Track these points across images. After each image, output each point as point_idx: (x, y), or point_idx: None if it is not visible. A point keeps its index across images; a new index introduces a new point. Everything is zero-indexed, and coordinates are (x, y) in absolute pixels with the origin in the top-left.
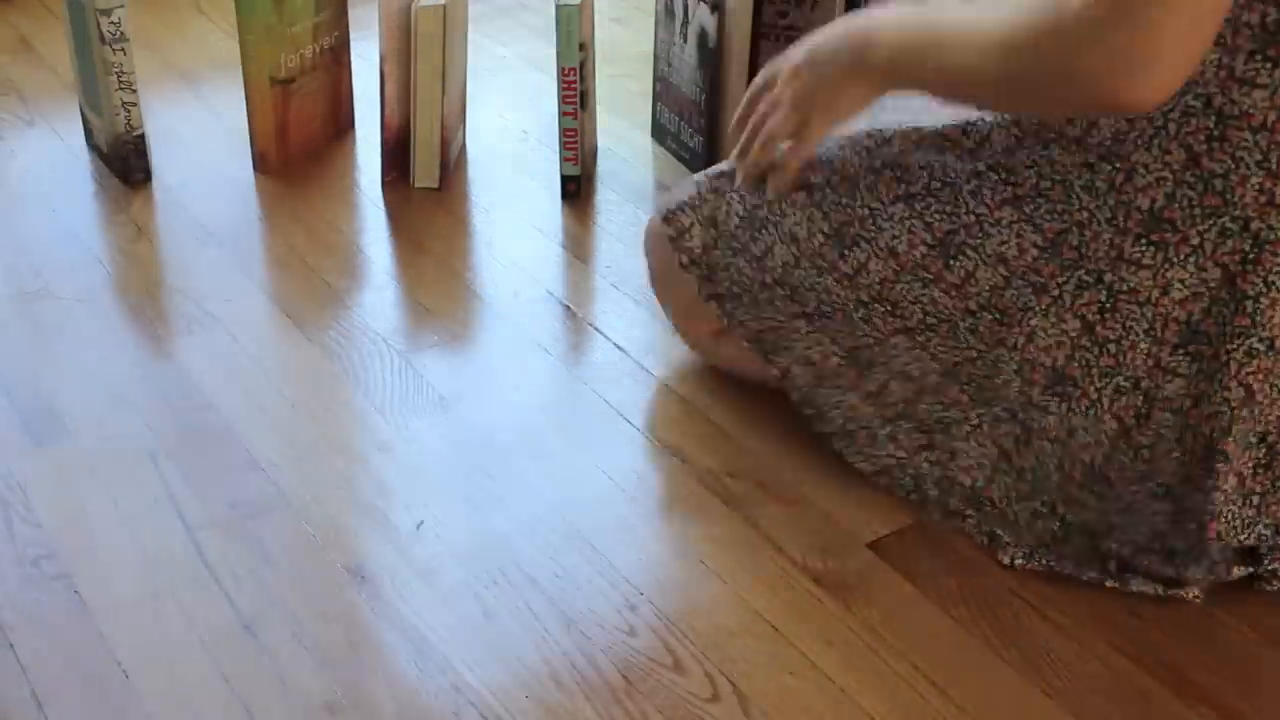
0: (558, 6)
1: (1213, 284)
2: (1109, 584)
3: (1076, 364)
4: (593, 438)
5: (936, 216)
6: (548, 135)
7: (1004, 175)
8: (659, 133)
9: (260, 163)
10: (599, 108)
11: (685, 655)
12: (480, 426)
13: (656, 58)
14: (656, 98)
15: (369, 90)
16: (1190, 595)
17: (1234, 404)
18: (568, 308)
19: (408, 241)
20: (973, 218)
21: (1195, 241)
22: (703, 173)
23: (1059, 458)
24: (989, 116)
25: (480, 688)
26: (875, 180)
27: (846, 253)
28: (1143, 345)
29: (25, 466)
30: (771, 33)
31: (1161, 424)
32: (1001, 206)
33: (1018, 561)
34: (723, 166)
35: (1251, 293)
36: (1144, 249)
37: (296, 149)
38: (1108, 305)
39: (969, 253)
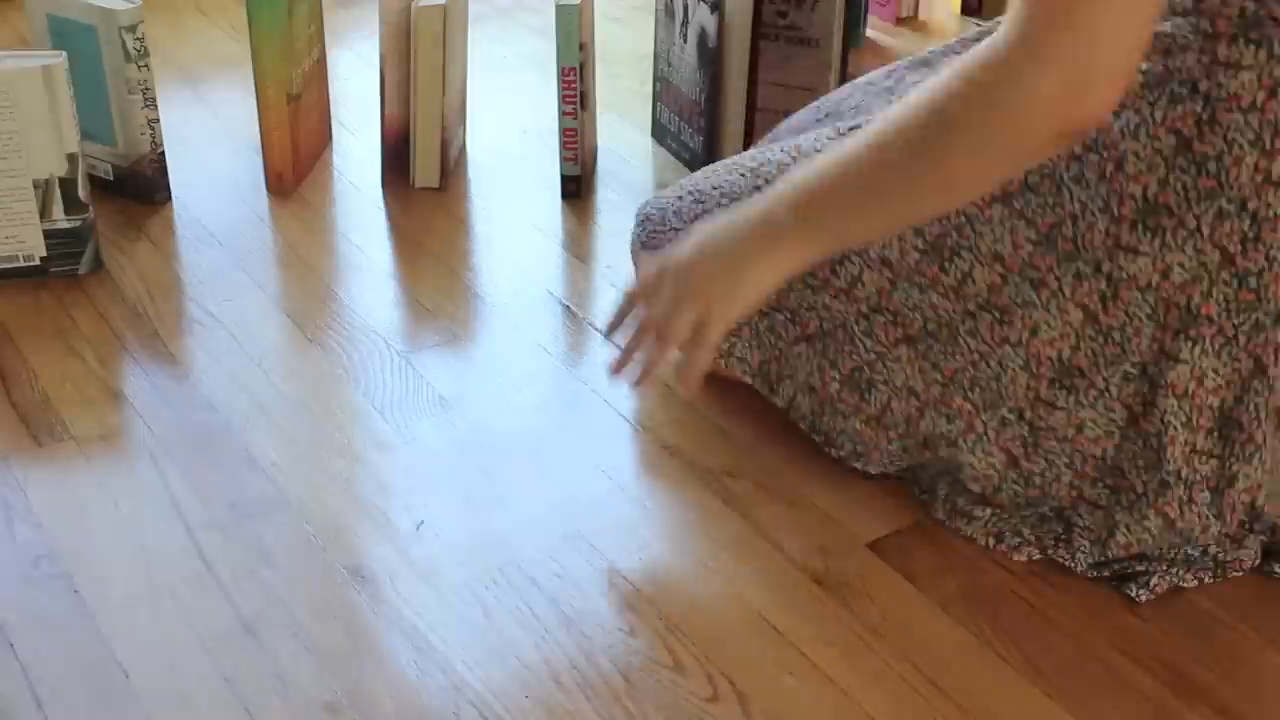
0: (558, 6)
1: (1212, 266)
2: (1129, 592)
3: (1083, 354)
4: (593, 438)
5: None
6: (548, 135)
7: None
8: (659, 133)
9: (275, 184)
10: (599, 108)
11: (685, 655)
12: (480, 426)
13: (656, 58)
14: (656, 98)
15: (368, 91)
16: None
17: (1244, 375)
18: (568, 308)
19: (408, 241)
20: (963, 219)
21: (1192, 225)
22: (689, 182)
23: (1069, 456)
24: None
25: (480, 688)
26: None
27: (839, 267)
28: (1147, 330)
29: (25, 466)
30: (771, 33)
31: (1167, 410)
32: (990, 205)
33: (1033, 556)
34: (713, 180)
35: (1254, 269)
36: (1140, 236)
37: (305, 163)
38: (1108, 294)
39: (963, 254)
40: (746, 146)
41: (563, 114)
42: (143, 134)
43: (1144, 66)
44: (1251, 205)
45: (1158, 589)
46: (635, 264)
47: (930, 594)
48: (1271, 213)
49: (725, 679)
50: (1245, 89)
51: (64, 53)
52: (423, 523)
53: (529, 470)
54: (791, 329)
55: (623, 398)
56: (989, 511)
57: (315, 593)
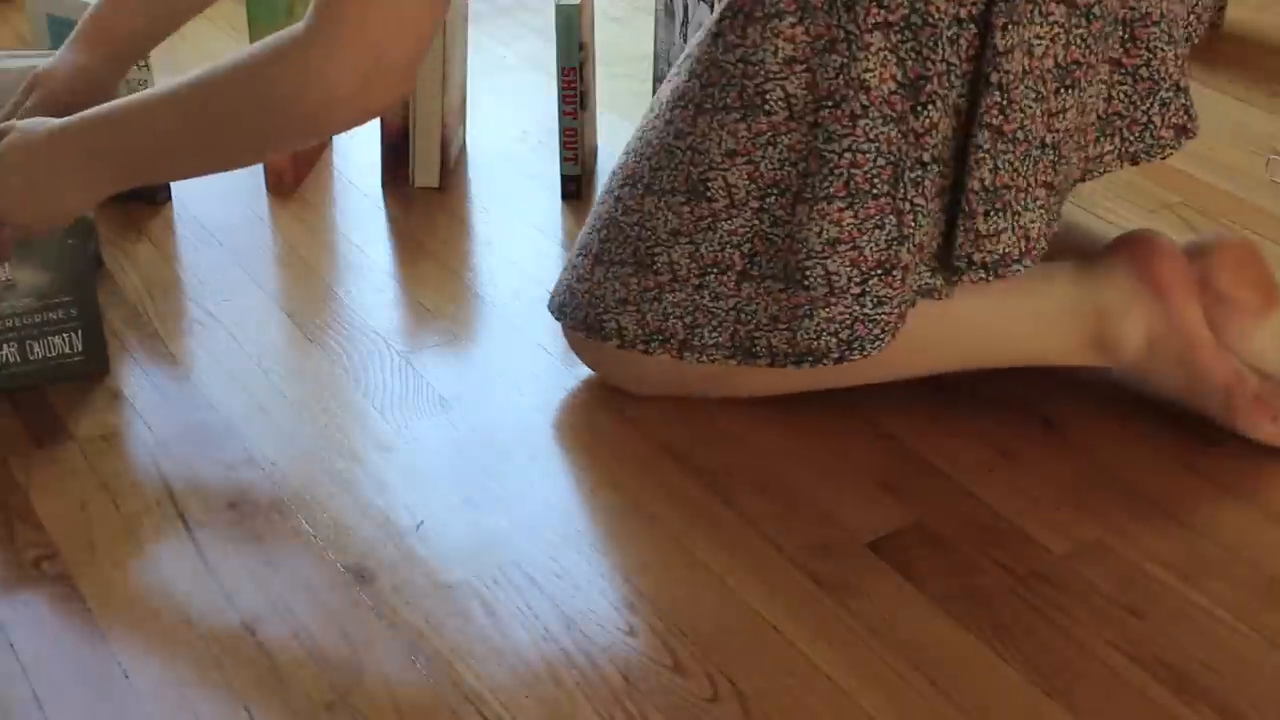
0: (558, 6)
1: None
2: None
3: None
4: (593, 438)
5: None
6: (548, 135)
7: None
8: None
9: (275, 184)
10: (599, 108)
11: (685, 655)
12: (480, 426)
13: (656, 58)
14: None
15: None
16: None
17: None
18: None
19: (408, 241)
20: (842, 32)
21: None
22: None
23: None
24: None
25: (480, 687)
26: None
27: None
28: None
29: (25, 466)
30: None
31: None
32: (873, 30)
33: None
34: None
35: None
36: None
37: (305, 164)
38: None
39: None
40: None
41: (563, 114)
42: None
43: None
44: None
45: None
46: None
47: (930, 594)
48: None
49: (725, 679)
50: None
51: None
52: (422, 522)
53: (529, 470)
54: (729, 277)
55: (623, 397)
56: None
57: (315, 593)
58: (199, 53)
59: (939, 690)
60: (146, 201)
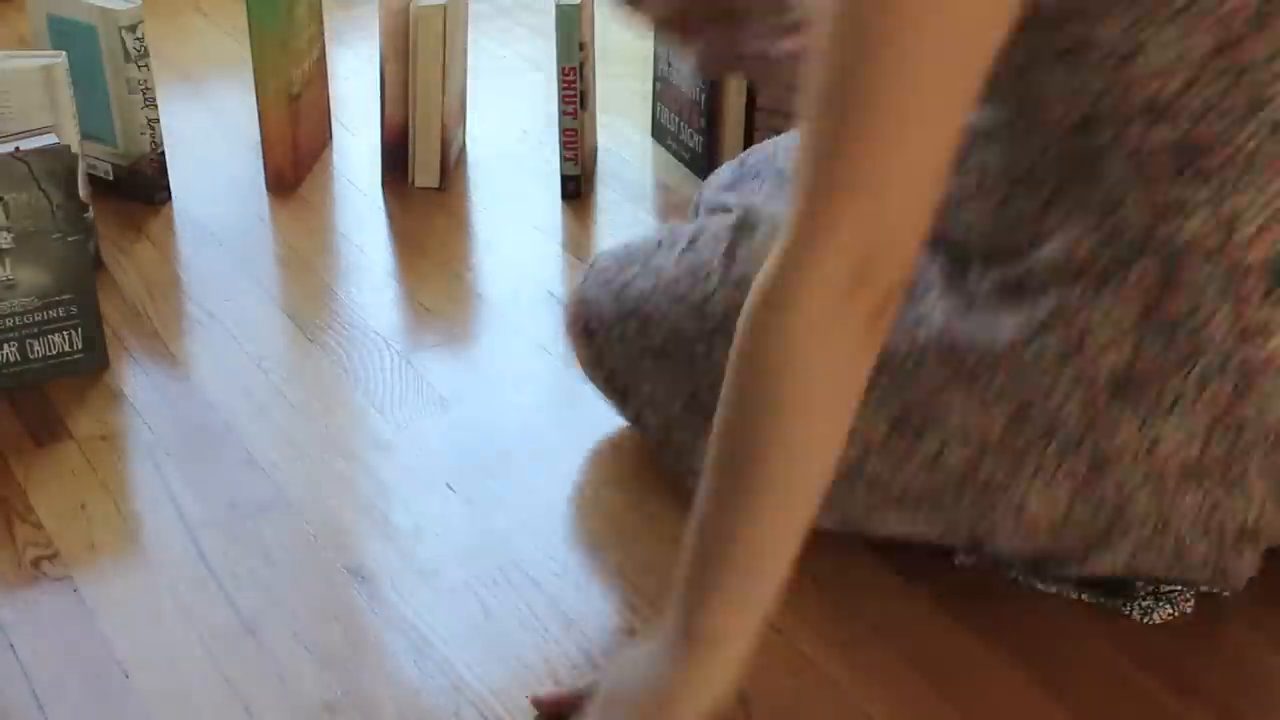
0: (558, 6)
1: (1201, 429)
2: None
3: (1072, 532)
4: (593, 438)
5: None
6: (548, 135)
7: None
8: (659, 133)
9: (275, 182)
10: (599, 108)
11: None
12: (480, 426)
13: (656, 58)
14: (656, 98)
15: (367, 91)
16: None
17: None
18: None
19: (408, 241)
20: (923, 395)
21: (1175, 393)
22: (627, 273)
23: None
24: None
25: (480, 688)
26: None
27: None
28: (1141, 498)
29: (25, 466)
30: None
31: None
32: (948, 388)
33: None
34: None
35: (1251, 414)
36: (1120, 410)
37: (305, 163)
38: (1096, 468)
39: (932, 430)
40: (746, 146)
41: (563, 114)
42: (143, 134)
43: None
44: (1236, 359)
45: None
46: (571, 342)
47: (931, 594)
48: (1260, 358)
49: None
50: (1197, 234)
51: (64, 53)
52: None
53: (529, 470)
54: None
55: None
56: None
57: (315, 593)
58: (199, 53)
59: (939, 690)
60: (146, 202)
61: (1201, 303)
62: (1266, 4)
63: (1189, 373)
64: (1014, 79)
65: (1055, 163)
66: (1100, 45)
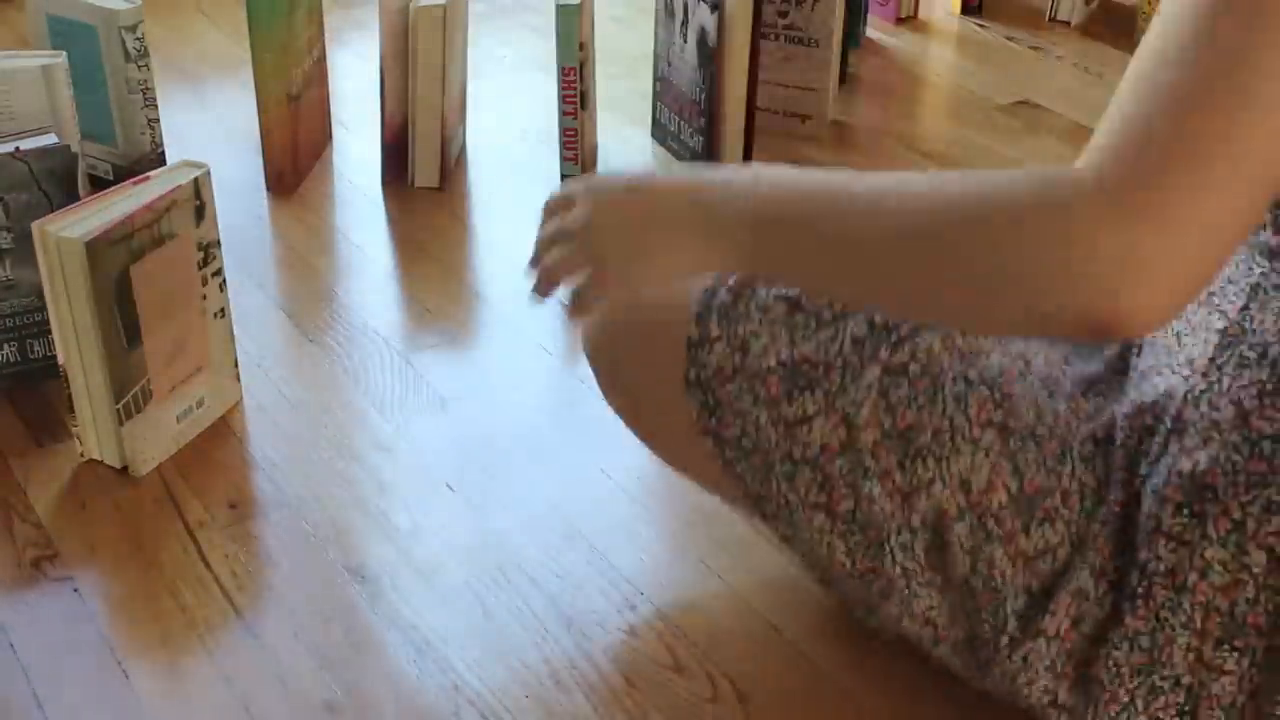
0: (558, 6)
1: (1257, 569)
2: None
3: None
4: (593, 438)
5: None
6: (548, 135)
7: (997, 397)
8: (659, 132)
9: (275, 182)
10: (599, 108)
11: (685, 655)
12: (480, 426)
13: (656, 57)
14: (656, 98)
15: (367, 91)
16: None
17: None
18: (568, 308)
19: (408, 241)
20: (946, 424)
21: (1237, 515)
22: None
23: None
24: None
25: (480, 688)
26: (966, 390)
27: (908, 463)
28: (1181, 639)
29: (25, 466)
30: (771, 33)
31: None
32: (986, 428)
33: None
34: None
35: None
36: (1176, 520)
37: (305, 163)
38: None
39: (928, 461)
40: (747, 146)
41: (563, 114)
42: (143, 134)
43: (1219, 324)
44: None
45: None
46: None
47: None
48: None
49: (725, 679)
50: None
51: (64, 53)
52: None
53: (529, 470)
54: (815, 493)
55: None
56: None
57: (315, 593)
58: (199, 53)
59: (939, 690)
60: None
61: None
62: None
63: (1255, 498)
64: None
65: None
66: None
